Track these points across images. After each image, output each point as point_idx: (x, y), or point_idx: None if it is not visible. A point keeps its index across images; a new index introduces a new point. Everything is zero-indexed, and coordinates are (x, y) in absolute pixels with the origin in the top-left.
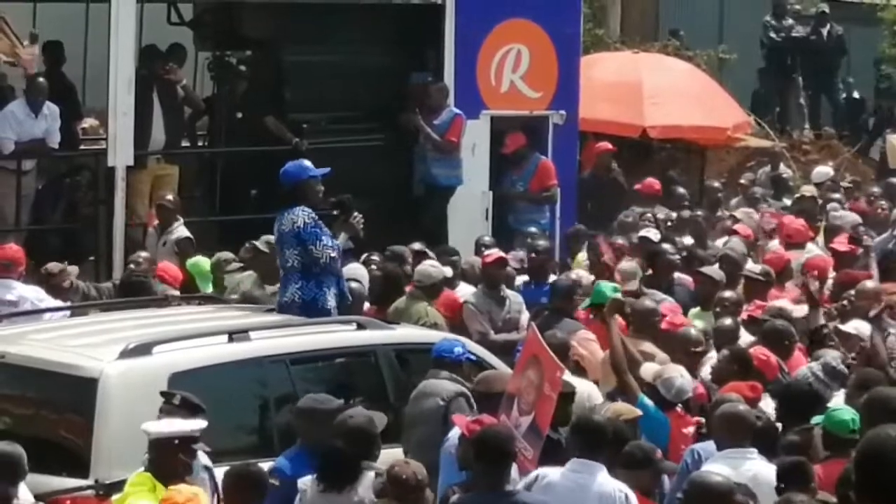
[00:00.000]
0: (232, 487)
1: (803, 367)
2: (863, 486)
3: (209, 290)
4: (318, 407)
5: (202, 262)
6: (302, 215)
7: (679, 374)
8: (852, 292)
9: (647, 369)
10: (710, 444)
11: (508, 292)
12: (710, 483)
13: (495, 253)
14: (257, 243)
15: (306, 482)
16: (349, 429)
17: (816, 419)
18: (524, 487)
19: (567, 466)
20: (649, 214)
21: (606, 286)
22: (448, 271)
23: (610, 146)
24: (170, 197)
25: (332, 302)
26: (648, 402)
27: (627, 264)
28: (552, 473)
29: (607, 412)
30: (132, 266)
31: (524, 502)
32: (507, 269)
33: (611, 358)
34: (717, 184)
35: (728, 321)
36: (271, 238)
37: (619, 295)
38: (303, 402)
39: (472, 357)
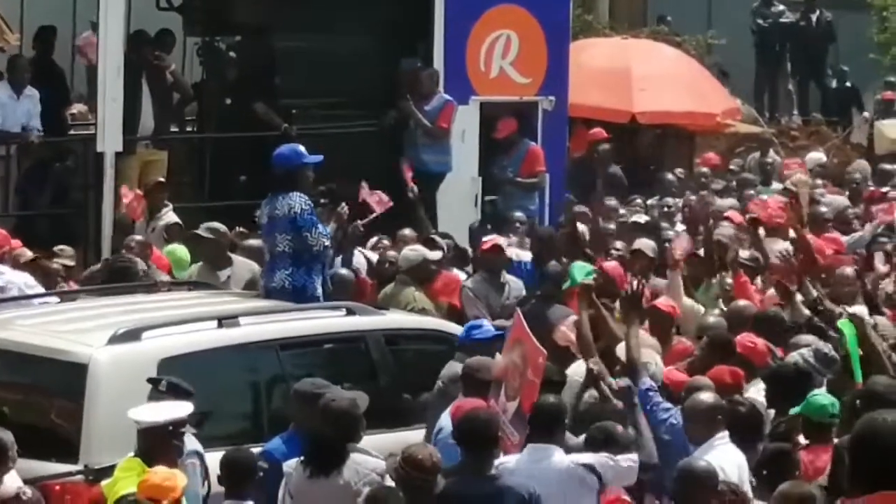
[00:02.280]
0: (226, 472)
1: (794, 353)
2: (856, 470)
3: (184, 277)
4: (316, 392)
5: (179, 249)
6: (299, 202)
7: (654, 362)
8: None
9: (623, 349)
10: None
11: (509, 278)
12: (696, 470)
13: (492, 239)
14: (199, 231)
15: (291, 465)
16: (333, 412)
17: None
18: None
19: (524, 452)
20: (639, 200)
21: (579, 268)
22: (436, 255)
23: (604, 133)
24: (161, 179)
25: (320, 289)
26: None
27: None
28: (509, 461)
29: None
30: (124, 250)
31: (507, 486)
32: (504, 255)
33: (578, 342)
34: (705, 169)
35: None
36: (214, 224)
37: (590, 279)
38: (300, 385)
39: (484, 337)
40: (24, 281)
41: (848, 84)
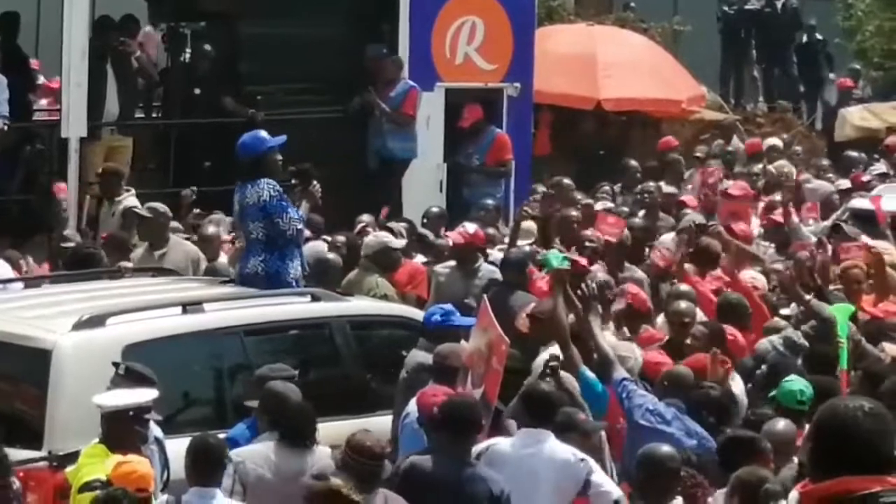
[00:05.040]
0: (194, 459)
1: (764, 341)
2: (817, 455)
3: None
4: (272, 375)
5: None
6: (267, 188)
7: (634, 357)
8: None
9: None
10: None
11: (485, 266)
12: (658, 455)
13: (467, 235)
14: (139, 210)
15: (242, 454)
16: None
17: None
18: (474, 456)
19: (516, 437)
20: (607, 187)
21: (554, 255)
22: (400, 242)
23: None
24: (109, 164)
25: (294, 274)
26: (590, 374)
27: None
28: (501, 444)
29: None
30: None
31: (482, 476)
32: (475, 247)
33: (553, 330)
34: (676, 156)
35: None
36: (154, 204)
37: (566, 265)
38: (259, 371)
39: (455, 324)
40: None
41: (818, 36)
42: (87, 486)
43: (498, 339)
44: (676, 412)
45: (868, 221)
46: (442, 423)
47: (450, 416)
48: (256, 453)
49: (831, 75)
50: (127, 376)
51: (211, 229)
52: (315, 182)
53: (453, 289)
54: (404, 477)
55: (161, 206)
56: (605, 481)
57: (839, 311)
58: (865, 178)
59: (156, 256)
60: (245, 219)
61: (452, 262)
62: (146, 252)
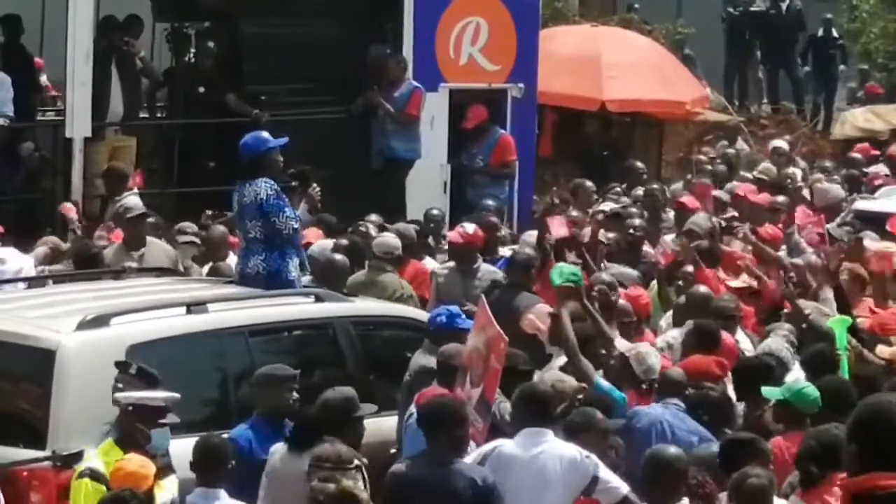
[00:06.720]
0: (200, 459)
1: (770, 339)
2: (863, 450)
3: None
4: (273, 373)
5: None
6: (264, 187)
7: (654, 354)
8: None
9: (621, 345)
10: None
11: (484, 266)
12: (665, 456)
13: (466, 235)
14: (146, 210)
15: (274, 448)
16: (322, 401)
17: (774, 391)
18: (479, 459)
19: (518, 437)
20: (618, 189)
21: (562, 270)
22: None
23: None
24: (115, 163)
25: (294, 273)
26: (604, 382)
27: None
28: (506, 445)
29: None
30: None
31: (460, 471)
32: (475, 247)
33: (560, 343)
34: (702, 157)
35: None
36: (131, 202)
37: (574, 280)
38: (259, 371)
39: (461, 326)
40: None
41: (835, 34)
42: (78, 475)
43: (497, 337)
44: (677, 412)
45: (872, 222)
46: (419, 424)
47: (421, 415)
48: None
49: (841, 66)
50: (138, 376)
51: (218, 230)
52: (314, 184)
53: (453, 289)
54: (389, 483)
55: (139, 204)
56: (613, 478)
57: (836, 324)
58: (878, 181)
59: (135, 256)
60: (243, 218)
61: (452, 263)
62: (121, 251)
